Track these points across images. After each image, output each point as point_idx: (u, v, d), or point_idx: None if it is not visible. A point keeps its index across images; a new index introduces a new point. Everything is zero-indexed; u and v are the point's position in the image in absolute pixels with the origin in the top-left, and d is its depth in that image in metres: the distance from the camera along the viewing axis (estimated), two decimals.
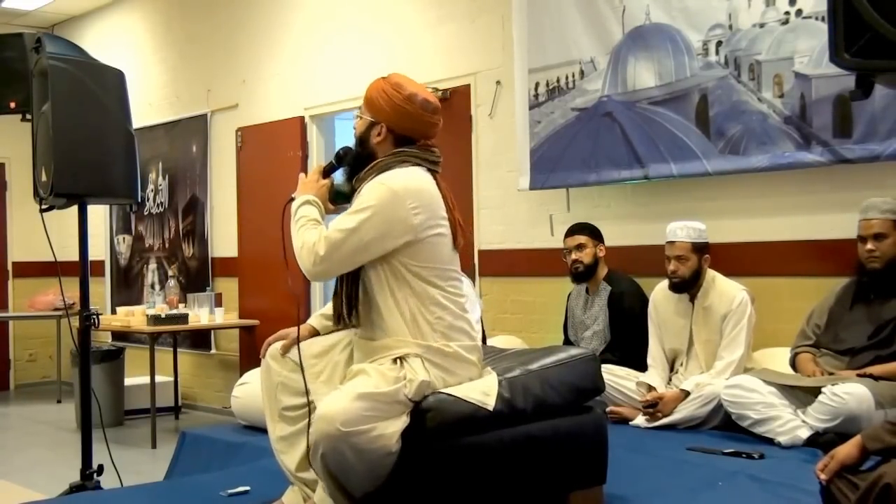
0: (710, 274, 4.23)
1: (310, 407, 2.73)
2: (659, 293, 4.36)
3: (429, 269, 2.68)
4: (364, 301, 2.76)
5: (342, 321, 2.79)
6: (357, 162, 2.82)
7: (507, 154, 5.42)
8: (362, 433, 2.43)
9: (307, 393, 2.73)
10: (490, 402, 2.64)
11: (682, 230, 4.20)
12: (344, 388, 2.54)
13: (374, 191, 2.65)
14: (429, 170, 2.78)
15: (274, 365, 2.86)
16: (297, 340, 2.80)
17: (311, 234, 2.68)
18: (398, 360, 2.62)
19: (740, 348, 4.05)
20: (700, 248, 4.18)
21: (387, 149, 2.77)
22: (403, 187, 2.65)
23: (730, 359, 4.05)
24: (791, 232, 4.31)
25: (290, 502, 2.84)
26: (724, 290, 4.16)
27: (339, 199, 2.89)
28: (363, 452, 2.46)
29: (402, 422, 2.53)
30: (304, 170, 6.72)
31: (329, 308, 2.94)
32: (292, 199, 2.85)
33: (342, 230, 2.62)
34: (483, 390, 2.66)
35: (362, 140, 2.82)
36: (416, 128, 2.78)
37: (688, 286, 4.21)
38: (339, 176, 2.92)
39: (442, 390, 2.62)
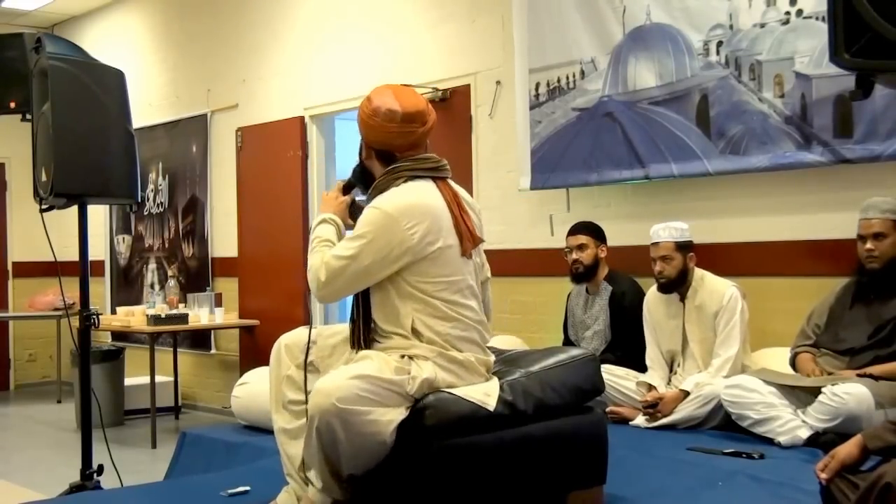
0: (699, 273, 4.24)
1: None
2: (651, 296, 4.38)
3: (434, 284, 2.66)
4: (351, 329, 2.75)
5: (358, 348, 2.74)
6: (362, 182, 2.85)
7: (507, 154, 5.42)
8: (357, 414, 2.44)
9: (306, 394, 2.71)
10: (491, 403, 2.64)
11: (664, 231, 4.22)
12: (344, 368, 2.57)
13: (369, 216, 2.65)
14: (432, 178, 2.74)
15: (285, 356, 2.87)
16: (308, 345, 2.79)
17: (317, 257, 2.68)
18: (407, 356, 2.62)
19: (736, 344, 4.05)
20: (684, 247, 4.19)
21: (377, 167, 2.77)
22: (396, 208, 2.63)
23: (726, 355, 4.06)
24: (791, 232, 4.31)
25: (283, 503, 2.85)
26: (714, 287, 4.17)
27: (360, 215, 2.85)
28: (355, 434, 2.46)
29: (399, 413, 2.53)
30: (304, 170, 6.74)
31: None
32: None
33: (341, 257, 2.63)
34: (484, 391, 2.67)
35: (360, 160, 2.85)
36: (388, 141, 2.73)
37: (676, 285, 4.22)
38: (359, 191, 2.91)
39: (443, 389, 2.62)
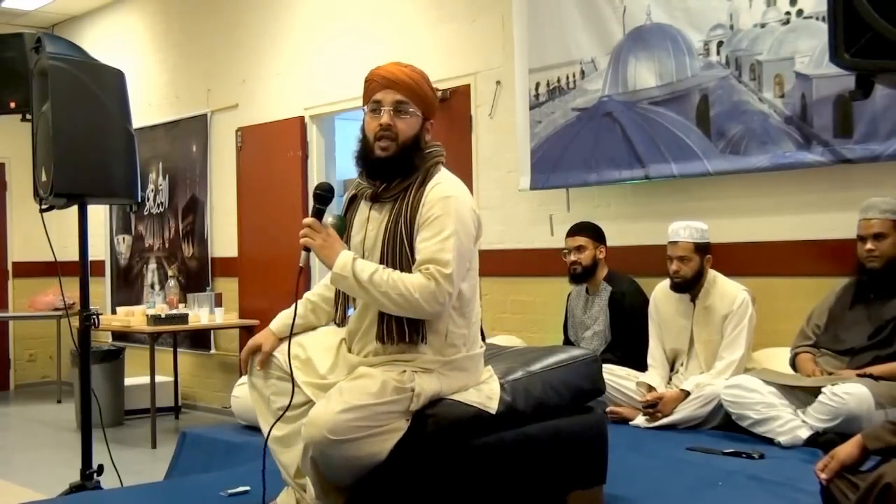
0: (711, 274, 4.23)
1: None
2: (660, 293, 4.36)
3: (474, 270, 2.66)
4: (389, 323, 2.60)
5: (400, 340, 2.58)
6: (386, 168, 2.63)
7: (507, 154, 5.42)
8: (353, 441, 2.42)
9: (292, 394, 2.64)
10: (493, 406, 2.63)
11: (684, 230, 4.21)
12: (340, 393, 2.50)
13: (446, 206, 2.54)
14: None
15: (259, 383, 2.84)
16: (290, 346, 2.74)
17: (413, 279, 2.49)
18: (409, 371, 2.56)
19: (741, 349, 4.05)
20: (702, 249, 4.19)
21: (418, 146, 2.65)
22: (463, 193, 2.62)
23: (730, 359, 4.05)
24: (791, 232, 4.31)
25: (283, 502, 2.84)
26: (726, 290, 4.17)
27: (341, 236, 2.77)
28: (352, 457, 2.45)
29: (398, 428, 2.50)
30: (304, 170, 6.73)
31: (286, 312, 2.88)
32: (302, 269, 2.70)
33: (448, 260, 2.48)
34: (486, 394, 2.65)
35: (416, 141, 2.64)
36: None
37: (690, 286, 4.21)
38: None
39: (446, 396, 2.60)
